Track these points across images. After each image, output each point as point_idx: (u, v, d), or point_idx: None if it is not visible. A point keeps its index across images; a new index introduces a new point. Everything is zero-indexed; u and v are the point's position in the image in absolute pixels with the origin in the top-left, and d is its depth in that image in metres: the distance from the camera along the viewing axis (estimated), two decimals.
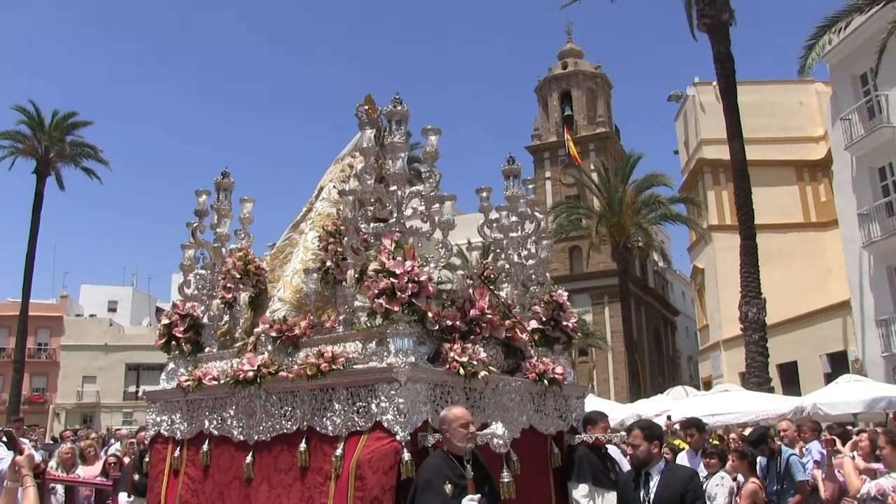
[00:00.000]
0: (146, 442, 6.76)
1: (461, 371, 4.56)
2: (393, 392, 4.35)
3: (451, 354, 4.62)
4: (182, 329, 6.19)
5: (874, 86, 22.88)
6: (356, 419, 4.52)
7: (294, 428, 4.91)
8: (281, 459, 4.94)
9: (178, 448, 5.90)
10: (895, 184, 22.20)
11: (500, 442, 4.24)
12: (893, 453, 4.26)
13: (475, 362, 4.63)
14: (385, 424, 4.33)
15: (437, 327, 4.76)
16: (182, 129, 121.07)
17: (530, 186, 6.23)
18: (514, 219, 6.07)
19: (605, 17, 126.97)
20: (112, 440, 15.85)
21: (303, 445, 4.75)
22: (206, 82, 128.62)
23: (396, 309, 4.43)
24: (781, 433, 9.31)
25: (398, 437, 4.25)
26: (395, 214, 4.91)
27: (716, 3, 21.29)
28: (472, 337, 4.95)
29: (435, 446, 4.31)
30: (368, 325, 4.81)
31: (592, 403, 12.03)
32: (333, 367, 4.65)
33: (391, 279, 4.44)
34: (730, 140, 21.18)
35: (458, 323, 4.95)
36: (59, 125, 34.48)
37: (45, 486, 5.90)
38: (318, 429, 4.73)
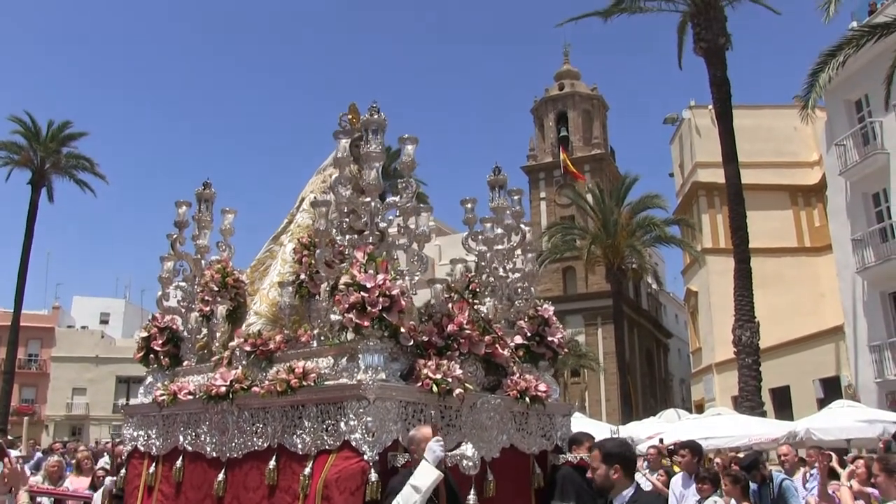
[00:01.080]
0: (123, 456, 6.64)
1: (434, 388, 4.40)
2: (361, 410, 4.21)
3: (425, 371, 4.46)
4: (161, 342, 6.11)
5: (868, 112, 23.04)
6: (325, 437, 4.38)
7: (265, 445, 4.77)
8: (251, 477, 4.80)
9: (154, 464, 5.78)
10: (889, 210, 22.27)
11: (470, 464, 4.12)
12: (888, 481, 4.21)
13: (450, 379, 4.47)
14: (353, 443, 4.19)
15: (411, 343, 4.62)
16: (178, 141, 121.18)
17: (516, 198, 6.01)
18: (499, 231, 5.90)
19: (602, 39, 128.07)
20: (105, 454, 15.68)
21: (272, 463, 4.62)
22: (202, 95, 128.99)
23: (366, 324, 4.29)
24: (782, 458, 9.12)
25: (366, 457, 4.12)
26: (370, 226, 4.77)
27: (712, 28, 21.48)
28: (448, 353, 4.78)
29: (405, 466, 4.16)
30: (339, 340, 4.67)
31: (584, 424, 11.97)
32: (304, 383, 4.50)
33: (362, 293, 4.29)
34: (725, 164, 21.27)
35: (434, 338, 4.78)
36: (54, 136, 34.48)
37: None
38: (288, 447, 4.59)
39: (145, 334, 6.22)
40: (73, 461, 12.00)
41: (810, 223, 32.46)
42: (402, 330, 4.51)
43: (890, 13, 18.12)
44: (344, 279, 4.43)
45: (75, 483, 9.06)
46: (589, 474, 4.90)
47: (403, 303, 4.41)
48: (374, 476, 4.07)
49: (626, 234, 30.75)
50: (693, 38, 22.33)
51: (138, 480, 5.93)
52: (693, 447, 8.36)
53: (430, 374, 4.44)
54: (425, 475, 3.88)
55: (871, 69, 19.61)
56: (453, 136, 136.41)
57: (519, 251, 5.95)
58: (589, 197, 34.47)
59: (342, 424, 4.28)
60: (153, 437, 5.89)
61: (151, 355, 6.17)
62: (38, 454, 17.71)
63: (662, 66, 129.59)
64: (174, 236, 6.33)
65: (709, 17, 21.63)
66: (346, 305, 4.33)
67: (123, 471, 6.30)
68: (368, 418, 4.18)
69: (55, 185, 35.22)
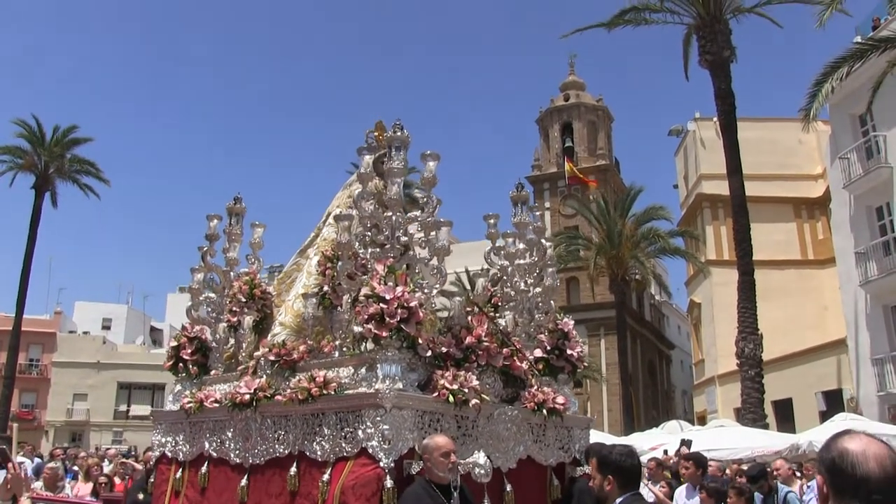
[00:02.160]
0: (152, 462, 6.84)
1: (451, 399, 4.51)
2: (378, 418, 4.32)
3: (442, 381, 4.58)
4: (190, 352, 6.28)
5: (873, 126, 23.08)
6: (343, 445, 4.49)
7: (286, 452, 4.90)
8: (273, 483, 4.93)
9: (181, 469, 5.96)
10: (892, 223, 22.27)
11: (482, 472, 4.21)
12: None
13: (466, 390, 4.57)
14: (370, 451, 4.30)
15: (429, 353, 4.73)
16: (183, 147, 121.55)
17: (537, 213, 6.23)
18: (521, 246, 6.03)
19: (607, 50, 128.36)
20: (106, 460, 15.68)
21: (293, 469, 4.74)
22: (207, 99, 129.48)
23: (385, 334, 4.41)
24: (776, 472, 9.19)
25: (382, 464, 4.22)
26: (391, 239, 4.92)
27: (717, 40, 21.54)
28: (466, 365, 4.90)
29: (419, 474, 4.26)
30: (359, 350, 4.81)
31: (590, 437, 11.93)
32: (324, 391, 4.63)
33: (381, 304, 4.42)
34: (729, 175, 21.30)
35: (452, 350, 4.91)
36: (59, 141, 34.49)
37: None
38: (308, 453, 4.72)
39: (175, 343, 6.42)
40: (75, 467, 12.03)
41: (814, 236, 32.47)
42: (420, 341, 4.61)
43: (893, 28, 18.17)
44: (364, 291, 4.58)
45: (80, 489, 9.10)
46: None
47: (421, 314, 4.53)
48: (389, 483, 4.16)
49: (630, 246, 30.76)
50: (698, 50, 22.39)
51: (166, 485, 6.09)
52: (697, 459, 8.40)
53: (447, 385, 4.56)
54: None
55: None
56: (458, 146, 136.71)
57: (539, 266, 6.07)
58: (593, 207, 34.53)
59: (360, 432, 4.40)
60: (180, 443, 6.08)
61: (180, 364, 6.35)
62: (38, 460, 17.70)
63: (667, 78, 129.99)
64: (205, 248, 6.57)
65: (713, 30, 21.69)
66: (366, 316, 4.46)
67: (152, 477, 6.48)
68: (385, 426, 4.29)
69: (59, 190, 35.30)
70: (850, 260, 23.58)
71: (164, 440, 6.32)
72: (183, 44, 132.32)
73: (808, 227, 32.76)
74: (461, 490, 4.17)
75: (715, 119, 26.08)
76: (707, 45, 21.73)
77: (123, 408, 46.51)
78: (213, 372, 6.27)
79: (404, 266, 4.79)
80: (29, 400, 45.61)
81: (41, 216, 34.20)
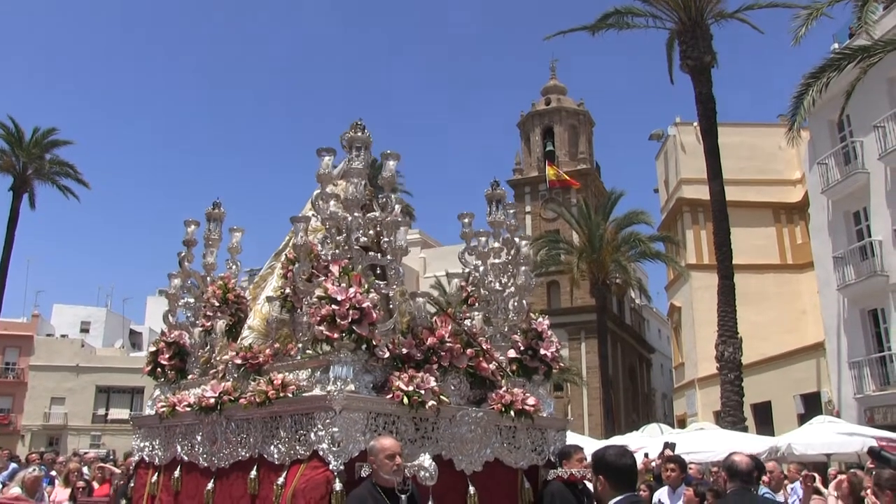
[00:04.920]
0: (132, 467, 6.81)
1: (405, 400, 4.44)
2: (329, 420, 4.28)
3: (397, 383, 4.51)
4: (167, 356, 6.30)
5: (850, 132, 23.35)
6: (298, 448, 4.46)
7: (248, 455, 4.89)
8: (236, 487, 4.91)
9: (157, 474, 5.97)
10: (869, 228, 22.53)
11: (427, 475, 4.15)
12: (880, 495, 4.21)
13: (423, 391, 4.49)
14: (321, 453, 4.25)
15: (387, 355, 4.67)
16: (163, 149, 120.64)
17: (511, 212, 6.12)
18: (496, 245, 5.96)
19: (589, 54, 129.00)
20: (85, 465, 15.45)
21: (253, 473, 4.72)
22: (189, 101, 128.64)
23: (336, 336, 4.36)
24: (768, 474, 9.13)
25: (331, 467, 4.18)
26: (347, 240, 4.86)
27: (698, 45, 21.70)
28: (427, 366, 4.81)
29: (369, 476, 4.22)
30: (316, 352, 4.75)
31: (568, 439, 11.94)
32: (281, 394, 4.59)
33: (333, 306, 4.37)
34: (710, 180, 21.45)
35: (413, 351, 4.83)
36: (38, 142, 34.17)
37: None
38: (266, 457, 4.70)
39: (154, 349, 6.44)
40: (52, 472, 11.84)
41: (793, 240, 32.77)
42: (374, 342, 4.54)
43: (867, 37, 18.45)
44: (317, 292, 4.52)
45: (59, 494, 8.97)
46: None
47: (375, 315, 4.46)
48: (338, 486, 4.12)
49: (611, 250, 30.89)
50: (679, 55, 22.54)
51: (143, 490, 6.11)
52: (680, 462, 8.45)
53: (402, 387, 4.48)
54: None
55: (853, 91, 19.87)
56: (439, 149, 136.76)
57: (511, 264, 5.99)
58: (574, 211, 34.66)
59: (312, 435, 4.36)
60: (156, 447, 6.10)
61: (159, 369, 6.37)
62: (13, 465, 17.39)
63: (648, 83, 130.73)
64: (182, 254, 6.57)
65: (695, 35, 21.85)
66: (318, 318, 4.41)
67: (132, 482, 6.51)
68: (335, 429, 4.24)
69: (37, 192, 34.92)
70: (829, 264, 23.82)
71: (142, 445, 6.36)
72: (166, 46, 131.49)
73: (788, 232, 33.06)
74: (410, 494, 4.11)
75: (695, 124, 26.25)
76: (688, 50, 21.89)
77: (102, 411, 46.01)
78: (189, 376, 6.27)
79: (358, 267, 4.71)
80: (5, 404, 45.00)
81: (19, 218, 33.83)
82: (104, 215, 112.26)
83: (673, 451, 11.24)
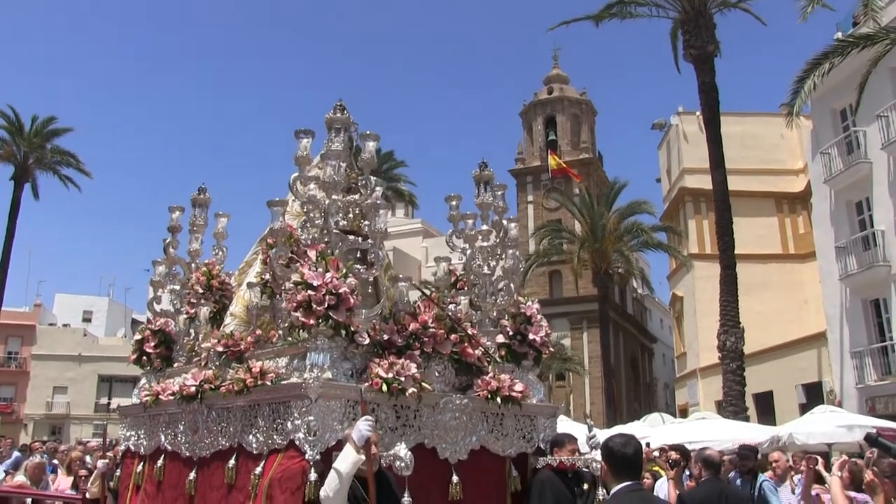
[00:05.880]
0: (118, 456, 6.79)
1: (385, 388, 4.33)
2: (304, 409, 4.18)
3: (376, 370, 4.38)
4: (153, 345, 6.24)
5: (853, 122, 23.24)
6: (275, 437, 4.37)
7: (227, 445, 4.80)
8: (216, 476, 4.83)
9: (142, 463, 5.90)
10: (871, 218, 22.48)
11: (403, 465, 4.06)
12: (879, 482, 4.21)
13: (403, 378, 4.38)
14: (297, 443, 4.16)
15: (367, 342, 4.55)
16: (165, 138, 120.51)
17: (500, 193, 5.93)
18: (484, 227, 5.77)
19: (591, 44, 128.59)
20: (88, 455, 15.48)
21: (231, 462, 4.62)
22: (189, 91, 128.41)
23: (312, 322, 4.25)
24: (773, 464, 8.96)
25: (307, 456, 4.08)
26: (325, 224, 4.73)
27: (701, 35, 21.60)
28: (409, 352, 4.68)
29: None
30: (295, 339, 4.62)
31: (568, 428, 11.95)
32: (259, 382, 4.48)
33: (309, 291, 4.26)
34: (712, 170, 21.38)
35: (394, 337, 4.70)
36: (38, 131, 34.07)
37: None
38: (245, 446, 4.61)
39: (139, 337, 6.38)
40: (55, 461, 11.89)
41: (795, 230, 32.71)
42: (353, 328, 4.42)
43: (872, 26, 18.35)
44: (294, 277, 4.41)
45: (61, 483, 9.01)
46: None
47: (353, 300, 4.33)
48: (314, 476, 4.01)
49: (613, 239, 30.85)
50: (682, 44, 22.45)
51: (128, 480, 6.05)
52: (682, 451, 8.47)
53: (382, 374, 4.36)
54: (346, 457, 3.83)
55: (855, 79, 19.78)
56: (442, 140, 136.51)
57: (499, 247, 5.82)
58: (577, 201, 34.60)
59: (288, 424, 4.27)
60: (141, 437, 6.02)
61: (144, 357, 6.32)
62: (17, 453, 17.45)
63: (650, 72, 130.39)
64: (167, 240, 6.45)
65: (698, 25, 21.74)
66: (294, 304, 4.31)
67: (118, 470, 6.46)
68: (310, 417, 4.15)
69: (39, 181, 34.88)
70: (831, 254, 23.76)
71: (128, 434, 6.28)
72: (166, 38, 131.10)
73: (790, 222, 32.99)
74: (381, 478, 4.05)
75: (698, 113, 26.16)
76: (691, 40, 21.79)
77: (104, 400, 46.16)
78: (175, 365, 6.19)
79: (335, 251, 4.57)
80: (7, 393, 45.18)
81: (20, 207, 33.81)
82: (106, 204, 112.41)
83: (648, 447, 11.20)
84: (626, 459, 3.45)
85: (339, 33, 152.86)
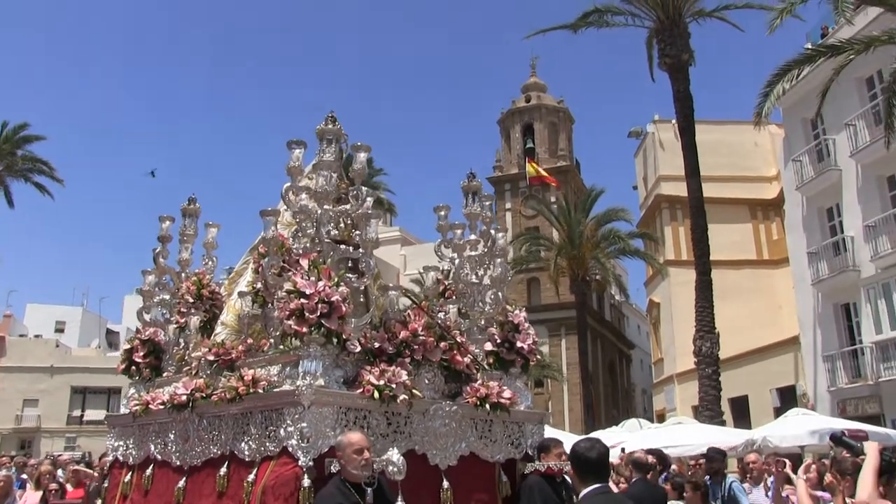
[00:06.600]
0: (106, 467, 6.78)
1: (376, 395, 4.39)
2: (297, 416, 4.23)
3: (367, 377, 4.45)
4: (142, 354, 6.25)
5: (823, 130, 23.68)
6: (268, 444, 4.42)
7: (219, 452, 4.84)
8: (206, 484, 4.86)
9: (130, 473, 5.91)
10: (842, 224, 22.87)
11: (395, 469, 4.11)
12: (839, 482, 4.34)
13: (394, 385, 4.45)
14: (290, 449, 4.21)
15: (358, 349, 4.60)
16: (138, 146, 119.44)
17: (487, 203, 6.08)
18: (472, 237, 5.92)
19: (568, 52, 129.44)
20: (59, 469, 15.25)
21: (223, 470, 4.67)
22: (162, 98, 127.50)
23: (304, 330, 4.30)
24: (750, 465, 8.95)
25: (300, 463, 4.13)
26: (317, 233, 4.81)
27: (676, 44, 21.88)
28: (400, 360, 4.75)
29: (339, 473, 4.16)
30: (287, 347, 4.68)
31: (547, 434, 12.00)
32: (251, 390, 4.53)
33: (301, 300, 4.32)
34: (687, 177, 21.64)
35: (385, 345, 4.78)
36: (9, 138, 33.67)
37: None
38: (237, 453, 4.65)
39: (128, 346, 6.40)
40: (24, 475, 11.70)
41: (769, 236, 33.15)
42: (344, 336, 4.48)
43: (839, 37, 18.77)
44: (286, 286, 4.47)
45: (29, 498, 8.86)
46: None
47: (344, 309, 4.40)
48: (307, 482, 4.07)
49: (590, 246, 31.06)
50: (658, 53, 22.73)
51: (116, 490, 6.05)
52: (659, 456, 8.54)
53: (373, 381, 4.43)
54: None
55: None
56: (420, 147, 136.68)
57: (487, 256, 5.94)
58: (554, 208, 34.77)
59: (281, 431, 4.32)
60: (130, 446, 6.03)
61: (133, 367, 6.32)
62: None
63: (627, 80, 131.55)
64: (157, 250, 6.53)
65: (673, 34, 22.03)
66: (287, 312, 4.36)
67: (106, 482, 6.47)
68: (303, 424, 4.20)
69: (11, 189, 34.44)
70: (803, 260, 24.14)
71: (116, 444, 6.29)
72: (141, 41, 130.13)
73: (764, 228, 33.44)
74: (379, 488, 4.09)
75: (674, 121, 26.48)
76: (666, 48, 22.07)
77: (77, 413, 45.44)
78: (165, 374, 6.21)
79: (327, 260, 4.64)
80: None
81: None
82: (80, 213, 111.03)
83: (624, 452, 11.34)
84: (591, 463, 3.52)
85: (315, 42, 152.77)
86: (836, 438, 4.42)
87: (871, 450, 3.61)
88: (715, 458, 8.14)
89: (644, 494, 6.23)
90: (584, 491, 3.48)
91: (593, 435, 18.15)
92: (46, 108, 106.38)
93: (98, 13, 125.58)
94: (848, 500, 4.09)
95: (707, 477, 8.26)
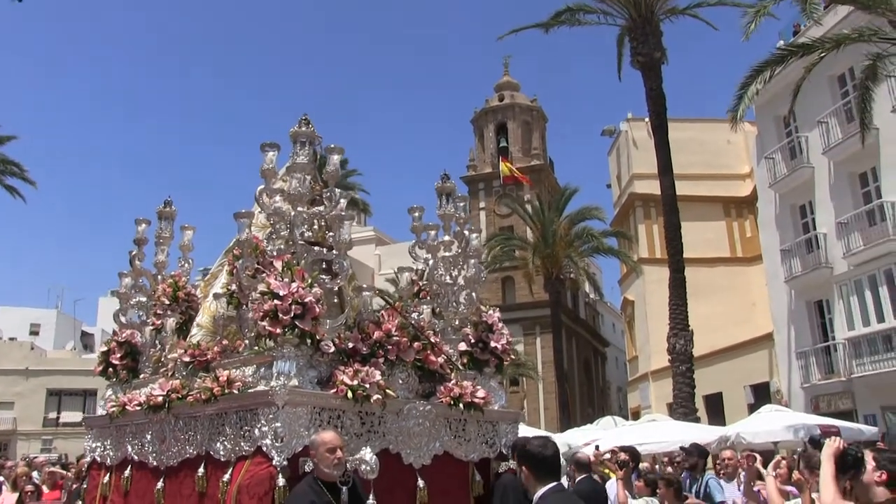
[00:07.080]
0: (84, 469, 6.77)
1: (350, 395, 4.44)
2: (272, 416, 4.29)
3: (341, 378, 4.50)
4: (119, 356, 6.30)
5: (795, 128, 23.94)
6: (242, 444, 4.47)
7: (195, 453, 4.88)
8: (185, 485, 4.91)
9: (108, 474, 5.96)
10: (814, 221, 23.13)
11: (368, 468, 4.17)
12: (809, 476, 4.41)
13: (368, 385, 4.50)
14: (264, 449, 4.26)
15: (332, 350, 4.65)
16: (111, 146, 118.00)
17: (461, 205, 6.15)
18: (446, 238, 5.99)
19: (542, 51, 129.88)
20: (35, 471, 15.07)
21: (200, 470, 4.72)
22: (139, 95, 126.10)
23: (278, 331, 4.35)
24: (726, 461, 8.95)
25: (274, 462, 4.19)
26: (291, 235, 4.85)
27: (648, 42, 22.00)
28: (373, 360, 4.81)
29: (313, 472, 4.21)
30: (261, 348, 4.72)
31: (522, 433, 12.02)
32: (226, 391, 4.58)
33: (275, 301, 4.36)
34: (660, 175, 21.77)
35: (359, 345, 4.84)
36: None
37: None
38: (212, 454, 4.70)
39: (105, 348, 6.45)
40: (1, 478, 11.58)
41: (742, 234, 33.45)
42: (318, 337, 4.52)
43: (810, 35, 18.99)
44: (261, 288, 4.52)
45: (6, 500, 8.83)
46: None
47: (318, 310, 4.44)
48: (281, 481, 4.13)
49: (564, 245, 31.15)
50: (630, 51, 22.82)
51: (95, 491, 6.09)
52: (632, 453, 8.58)
53: (347, 381, 4.48)
54: None
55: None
56: (393, 147, 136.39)
57: (461, 257, 6.00)
58: (528, 207, 34.83)
59: (256, 431, 4.36)
60: (108, 448, 6.08)
61: (110, 369, 6.36)
62: None
63: (600, 79, 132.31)
64: (133, 252, 6.57)
65: (645, 32, 22.14)
66: (261, 313, 4.40)
67: (85, 483, 6.52)
68: (277, 424, 4.25)
69: None
70: (776, 257, 24.38)
71: (94, 445, 6.34)
72: (114, 37, 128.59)
73: (737, 226, 33.74)
74: (352, 487, 4.12)
75: (647, 119, 26.62)
76: (639, 47, 22.17)
77: (53, 415, 44.87)
78: (142, 376, 6.25)
79: (301, 262, 4.68)
80: None
81: None
82: (53, 214, 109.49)
83: (598, 450, 11.41)
84: (547, 461, 3.51)
85: (287, 43, 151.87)
86: (815, 442, 4.47)
87: (826, 457, 3.55)
88: (691, 452, 8.24)
89: (588, 491, 6.45)
90: (542, 490, 3.46)
91: (570, 433, 18.27)
92: (17, 108, 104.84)
93: (68, 10, 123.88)
94: (814, 495, 4.14)
95: (684, 473, 8.34)
